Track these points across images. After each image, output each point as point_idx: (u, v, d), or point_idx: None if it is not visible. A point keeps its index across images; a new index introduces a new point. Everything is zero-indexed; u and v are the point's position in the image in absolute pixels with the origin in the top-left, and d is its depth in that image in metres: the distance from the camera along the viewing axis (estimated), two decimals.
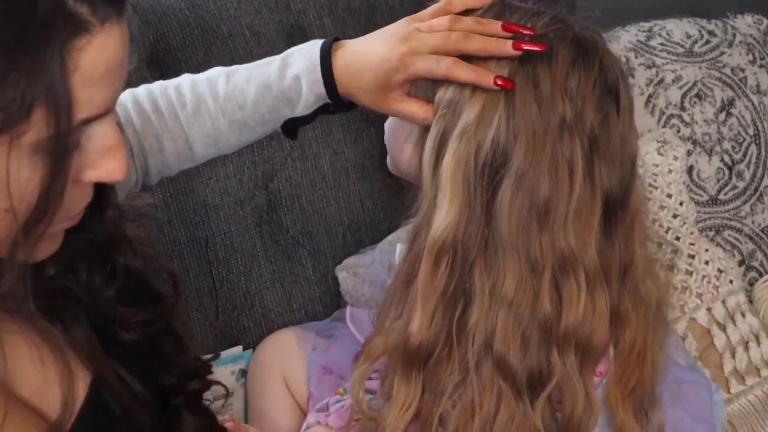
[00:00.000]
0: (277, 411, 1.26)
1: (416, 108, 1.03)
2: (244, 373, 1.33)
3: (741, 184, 1.57)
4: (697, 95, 1.56)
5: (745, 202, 1.56)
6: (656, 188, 1.47)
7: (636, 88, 1.53)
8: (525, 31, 1.00)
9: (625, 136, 1.03)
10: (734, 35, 1.63)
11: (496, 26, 1.00)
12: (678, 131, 1.54)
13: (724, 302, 1.47)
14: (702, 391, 1.17)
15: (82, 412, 0.84)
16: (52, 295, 0.82)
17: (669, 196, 1.47)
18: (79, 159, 0.74)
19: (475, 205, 1.00)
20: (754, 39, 1.65)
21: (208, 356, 1.05)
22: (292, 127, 1.10)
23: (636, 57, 1.56)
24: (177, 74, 1.13)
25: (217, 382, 1.01)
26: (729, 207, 1.55)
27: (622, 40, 1.57)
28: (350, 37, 1.07)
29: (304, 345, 1.28)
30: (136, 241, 0.91)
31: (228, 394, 1.20)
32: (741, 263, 1.54)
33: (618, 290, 1.04)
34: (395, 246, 1.17)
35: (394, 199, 1.44)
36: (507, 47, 0.99)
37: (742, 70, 1.60)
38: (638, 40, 1.58)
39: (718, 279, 1.48)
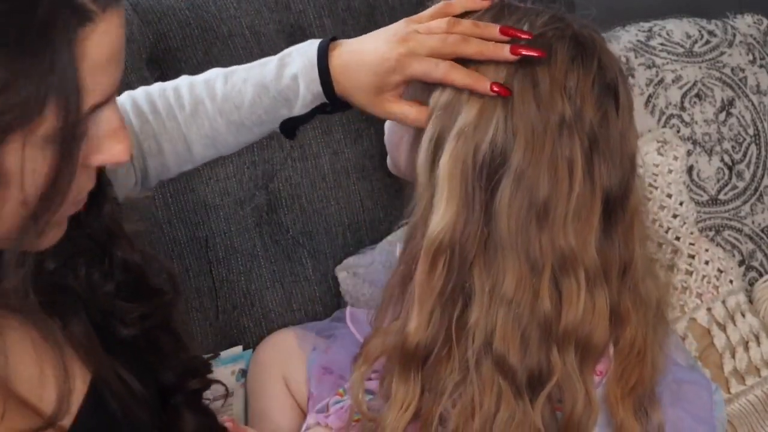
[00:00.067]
0: (277, 411, 1.26)
1: (408, 110, 1.04)
2: (244, 373, 1.33)
3: (741, 184, 1.57)
4: (697, 95, 1.56)
5: (745, 202, 1.56)
6: (656, 188, 1.47)
7: (636, 88, 1.53)
8: (522, 35, 1.00)
9: (624, 134, 1.03)
10: (734, 35, 1.63)
11: (494, 30, 1.01)
12: (678, 131, 1.54)
13: (724, 302, 1.47)
14: (702, 391, 1.17)
15: (82, 410, 0.84)
16: (52, 290, 0.82)
17: (669, 196, 1.47)
18: (86, 145, 0.75)
19: (473, 205, 1.00)
20: (754, 39, 1.65)
21: (208, 356, 1.05)
22: (290, 127, 1.10)
23: (636, 57, 1.56)
24: (177, 74, 1.14)
25: (217, 381, 1.00)
26: (729, 207, 1.55)
27: (622, 40, 1.57)
28: (350, 38, 1.07)
29: (304, 345, 1.28)
30: (133, 236, 0.92)
31: (228, 394, 1.20)
32: (741, 263, 1.54)
33: (618, 289, 1.04)
34: (395, 246, 1.17)
35: (394, 199, 1.44)
36: (504, 52, 0.99)
37: (742, 70, 1.60)
38: (638, 40, 1.58)
39: (718, 279, 1.48)
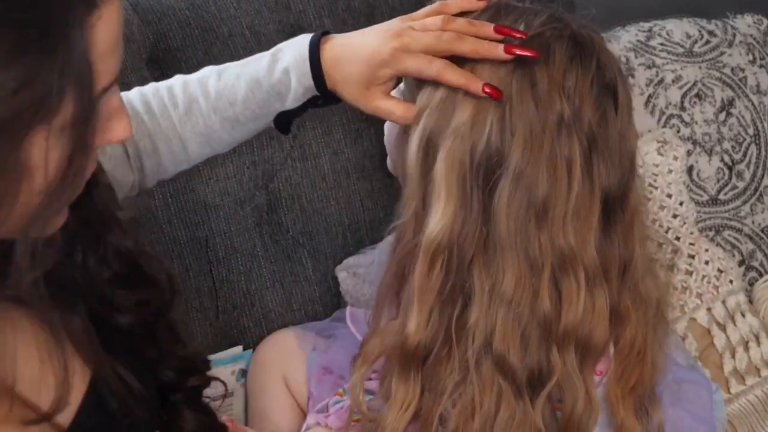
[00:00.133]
0: (277, 411, 1.26)
1: (394, 106, 1.04)
2: (244, 373, 1.33)
3: (741, 184, 1.57)
4: (697, 95, 1.56)
5: (745, 202, 1.56)
6: (656, 188, 1.47)
7: (636, 88, 1.53)
8: (517, 35, 1.00)
9: (623, 133, 1.03)
10: (734, 35, 1.63)
11: (489, 28, 1.01)
12: (678, 131, 1.54)
13: (724, 302, 1.47)
14: (702, 390, 1.17)
15: (81, 408, 0.84)
16: (51, 280, 0.82)
17: (669, 196, 1.47)
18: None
19: (471, 204, 1.00)
20: (754, 39, 1.65)
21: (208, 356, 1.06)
22: (284, 122, 1.11)
23: (636, 57, 1.56)
24: (177, 74, 1.14)
25: (216, 378, 1.01)
26: (729, 207, 1.55)
27: (622, 40, 1.57)
28: None
29: (304, 345, 1.27)
30: (126, 223, 0.92)
31: (227, 393, 1.20)
32: (741, 263, 1.54)
33: (618, 288, 1.04)
34: None
35: (394, 199, 1.43)
36: (499, 51, 0.99)
37: (742, 70, 1.60)
38: (638, 40, 1.58)
39: (718, 279, 1.48)
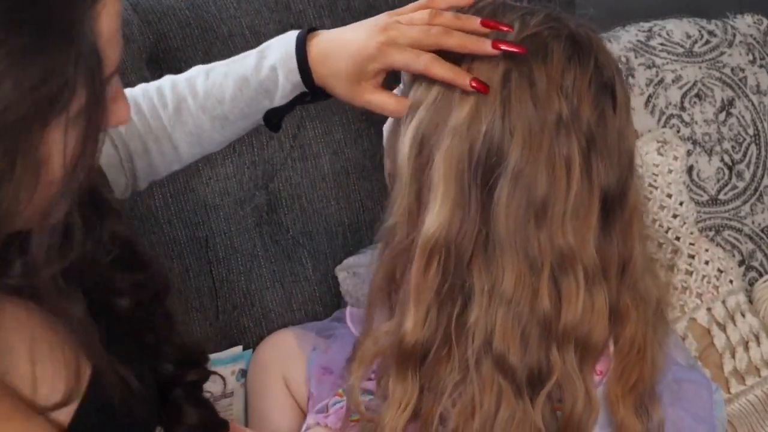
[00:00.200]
0: (277, 411, 1.26)
1: (387, 99, 1.04)
2: (244, 373, 1.33)
3: (741, 184, 1.57)
4: (697, 95, 1.56)
5: (745, 202, 1.56)
6: (656, 188, 1.47)
7: (636, 88, 1.53)
8: (504, 28, 1.00)
9: (622, 132, 1.03)
10: (734, 35, 1.63)
11: (476, 22, 1.01)
12: (678, 131, 1.54)
13: (724, 302, 1.47)
14: (702, 390, 1.17)
15: (82, 405, 0.84)
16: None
17: (669, 196, 1.47)
18: None
19: (469, 204, 1.00)
20: (754, 39, 1.64)
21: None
22: (274, 120, 1.11)
23: (636, 57, 1.56)
24: (177, 74, 1.14)
25: (215, 372, 1.01)
26: (729, 207, 1.55)
27: (622, 40, 1.57)
28: None
29: (304, 345, 1.27)
30: (118, 206, 0.93)
31: (227, 392, 1.21)
32: (741, 263, 1.54)
33: (617, 287, 1.04)
34: None
35: None
36: (486, 46, 1.00)
37: (742, 70, 1.60)
38: (638, 40, 1.58)
39: (718, 279, 1.48)
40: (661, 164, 1.48)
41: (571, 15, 1.07)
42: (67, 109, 0.73)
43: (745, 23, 1.66)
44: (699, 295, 1.46)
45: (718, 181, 1.55)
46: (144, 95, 1.10)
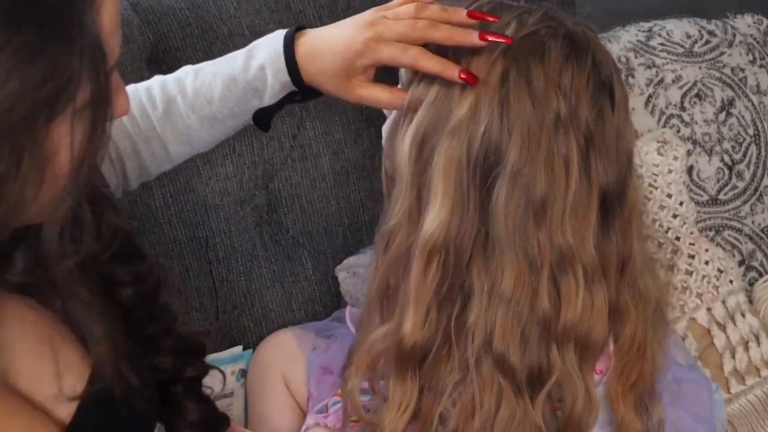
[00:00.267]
0: (277, 411, 1.26)
1: (379, 93, 1.04)
2: (244, 373, 1.33)
3: (741, 184, 1.57)
4: (697, 95, 1.56)
5: (745, 202, 1.56)
6: (656, 188, 1.47)
7: (636, 88, 1.53)
8: (490, 19, 1.00)
9: (620, 130, 1.03)
10: (734, 35, 1.63)
11: (462, 14, 1.01)
12: (678, 131, 1.54)
13: (724, 302, 1.47)
14: (702, 390, 1.17)
15: (81, 405, 0.84)
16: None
17: (669, 196, 1.47)
18: None
19: (468, 204, 1.00)
20: (754, 39, 1.64)
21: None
22: (264, 119, 1.11)
23: (636, 57, 1.56)
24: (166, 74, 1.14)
25: (213, 367, 1.01)
26: (729, 207, 1.55)
27: (622, 40, 1.57)
28: None
29: (303, 345, 1.27)
30: (114, 199, 0.94)
31: (227, 392, 1.20)
32: (741, 263, 1.54)
33: (616, 285, 1.05)
34: None
35: None
36: (473, 37, 1.00)
37: (742, 70, 1.60)
38: (638, 40, 1.58)
39: (718, 279, 1.47)
40: (661, 164, 1.48)
41: (568, 14, 1.07)
42: (73, 102, 0.73)
43: (745, 23, 1.66)
44: (699, 295, 1.46)
45: (718, 181, 1.55)
46: (133, 96, 1.10)
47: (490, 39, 0.99)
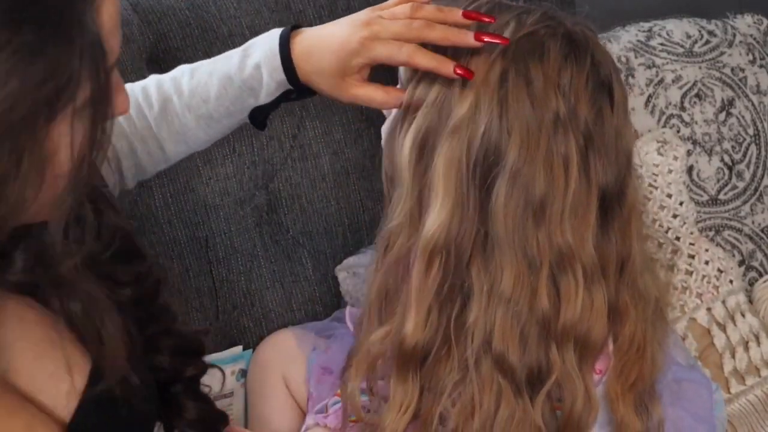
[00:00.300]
0: (277, 411, 1.26)
1: (373, 92, 1.05)
2: (244, 373, 1.33)
3: (741, 184, 1.57)
4: (697, 95, 1.56)
5: (745, 202, 1.56)
6: (656, 188, 1.47)
7: (636, 88, 1.53)
8: (486, 19, 1.00)
9: (619, 130, 1.03)
10: (734, 35, 1.63)
11: (457, 14, 1.01)
12: (678, 131, 1.54)
13: (724, 302, 1.47)
14: (702, 389, 1.17)
15: (82, 404, 0.84)
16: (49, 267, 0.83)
17: (669, 196, 1.47)
18: None
19: (467, 204, 1.00)
20: (754, 39, 1.64)
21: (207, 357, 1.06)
22: (259, 118, 1.11)
23: (636, 57, 1.56)
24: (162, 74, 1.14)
25: (213, 366, 1.01)
26: (729, 207, 1.55)
27: (622, 40, 1.57)
28: None
29: (303, 345, 1.27)
30: (113, 199, 0.94)
31: (226, 393, 1.20)
32: (741, 263, 1.54)
33: (616, 285, 1.05)
34: None
35: None
36: (468, 38, 1.00)
37: (742, 70, 1.60)
38: (638, 40, 1.58)
39: (718, 279, 1.47)
40: (661, 164, 1.48)
41: (568, 14, 1.07)
42: (73, 102, 0.73)
43: (745, 23, 1.66)
44: (699, 295, 1.46)
45: (718, 181, 1.55)
46: (130, 95, 1.10)
47: (485, 39, 0.99)
